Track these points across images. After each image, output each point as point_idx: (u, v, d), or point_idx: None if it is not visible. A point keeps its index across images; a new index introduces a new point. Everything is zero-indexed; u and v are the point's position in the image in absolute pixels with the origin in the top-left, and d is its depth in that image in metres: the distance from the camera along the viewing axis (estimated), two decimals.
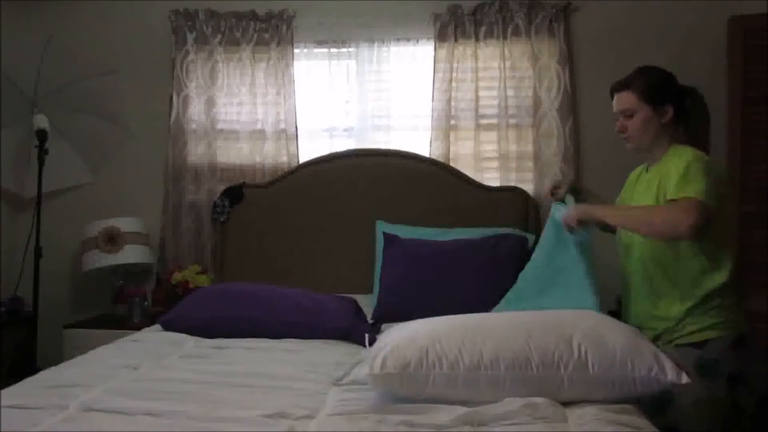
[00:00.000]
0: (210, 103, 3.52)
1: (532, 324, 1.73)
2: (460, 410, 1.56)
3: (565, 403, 1.63)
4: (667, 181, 1.93)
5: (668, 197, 1.90)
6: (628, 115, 2.06)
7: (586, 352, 1.63)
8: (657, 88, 2.04)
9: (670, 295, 1.97)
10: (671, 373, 1.61)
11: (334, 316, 2.48)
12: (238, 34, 3.48)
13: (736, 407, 1.92)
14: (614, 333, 1.70)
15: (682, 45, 3.25)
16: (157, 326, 2.62)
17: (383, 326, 2.57)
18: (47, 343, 3.25)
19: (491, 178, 3.35)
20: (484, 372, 1.61)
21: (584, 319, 1.77)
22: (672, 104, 2.03)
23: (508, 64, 3.32)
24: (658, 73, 2.08)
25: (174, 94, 3.51)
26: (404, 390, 1.63)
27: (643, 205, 2.02)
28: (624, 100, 2.07)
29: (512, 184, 3.29)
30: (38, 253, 3.19)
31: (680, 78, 3.35)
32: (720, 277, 1.92)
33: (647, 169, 2.12)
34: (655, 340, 1.93)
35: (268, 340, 2.36)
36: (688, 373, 1.65)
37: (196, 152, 3.51)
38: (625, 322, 1.93)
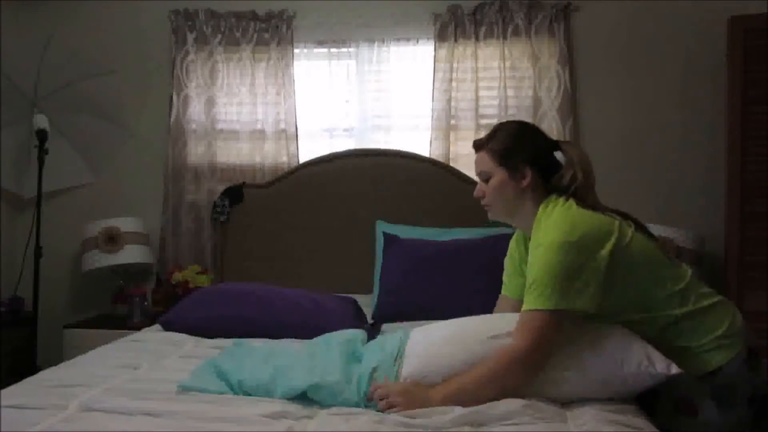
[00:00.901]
0: (210, 103, 3.52)
1: None
2: (460, 410, 1.56)
3: (565, 403, 1.63)
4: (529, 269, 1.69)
5: (525, 306, 1.66)
6: (485, 179, 1.84)
7: (580, 353, 1.64)
8: (511, 147, 1.81)
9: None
10: (660, 365, 1.61)
11: (334, 316, 2.48)
12: (238, 34, 3.48)
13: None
14: (604, 331, 1.69)
15: (682, 45, 3.26)
16: (157, 326, 2.62)
17: (383, 326, 2.57)
18: (47, 343, 3.26)
19: None
20: None
21: None
22: (531, 165, 1.79)
23: (508, 64, 3.32)
24: (514, 131, 1.86)
25: (174, 94, 3.51)
26: None
27: (475, 371, 1.63)
28: (479, 161, 1.86)
29: None
30: (38, 253, 3.19)
31: (681, 78, 3.38)
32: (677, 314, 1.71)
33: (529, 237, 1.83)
34: None
35: (267, 340, 2.36)
36: (706, 407, 1.64)
37: (196, 152, 3.51)
38: None
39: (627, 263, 1.68)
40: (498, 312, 2.01)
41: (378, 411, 1.60)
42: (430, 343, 1.76)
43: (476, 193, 1.88)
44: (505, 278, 2.03)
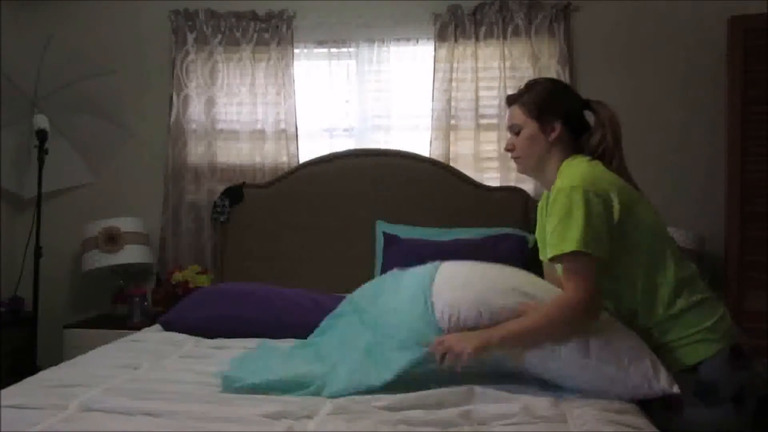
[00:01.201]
0: (210, 103, 3.52)
1: None
2: (460, 409, 1.57)
3: (565, 404, 1.63)
4: (549, 219, 1.75)
5: (548, 255, 1.73)
6: (516, 131, 1.90)
7: (588, 340, 1.67)
8: (543, 102, 1.87)
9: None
10: (663, 381, 1.63)
11: None
12: (238, 34, 3.48)
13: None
14: (620, 334, 1.71)
15: (682, 45, 3.26)
16: (157, 326, 2.63)
17: None
18: (47, 343, 3.26)
19: (491, 178, 3.35)
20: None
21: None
22: (561, 120, 1.85)
23: (508, 64, 3.32)
24: (547, 86, 1.93)
25: (174, 94, 3.51)
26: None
27: (532, 317, 1.71)
28: (512, 114, 1.92)
29: (512, 184, 3.29)
30: (38, 253, 3.18)
31: (681, 78, 3.37)
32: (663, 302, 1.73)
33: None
34: None
35: (268, 340, 2.36)
36: (690, 404, 1.67)
37: (196, 152, 3.51)
38: None
39: (640, 227, 1.74)
40: (546, 278, 2.04)
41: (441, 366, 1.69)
42: (461, 284, 1.85)
43: (506, 146, 1.95)
44: (539, 244, 2.07)
